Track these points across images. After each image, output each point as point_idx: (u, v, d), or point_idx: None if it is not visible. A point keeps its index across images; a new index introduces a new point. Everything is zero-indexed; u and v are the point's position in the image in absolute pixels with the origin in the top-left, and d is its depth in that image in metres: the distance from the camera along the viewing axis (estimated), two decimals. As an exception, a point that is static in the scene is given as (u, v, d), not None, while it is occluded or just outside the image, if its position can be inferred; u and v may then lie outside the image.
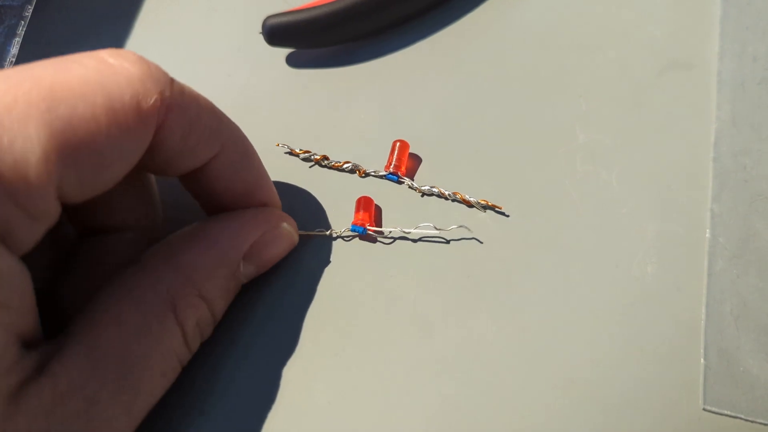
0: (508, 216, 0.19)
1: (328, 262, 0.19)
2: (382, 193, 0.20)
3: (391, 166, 0.20)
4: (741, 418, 0.17)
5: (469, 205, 0.20)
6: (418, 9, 0.22)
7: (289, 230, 0.18)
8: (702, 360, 0.17)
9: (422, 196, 0.20)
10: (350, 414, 0.17)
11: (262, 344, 0.18)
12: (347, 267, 0.19)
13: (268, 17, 0.22)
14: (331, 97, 0.22)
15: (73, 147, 0.12)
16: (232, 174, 0.16)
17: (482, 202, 0.19)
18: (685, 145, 0.20)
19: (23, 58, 0.22)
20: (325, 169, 0.21)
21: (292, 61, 0.23)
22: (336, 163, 0.21)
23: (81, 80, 0.12)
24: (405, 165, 0.20)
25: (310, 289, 0.19)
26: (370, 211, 0.19)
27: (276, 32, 0.22)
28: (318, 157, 0.21)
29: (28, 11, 0.21)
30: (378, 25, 0.22)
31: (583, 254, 0.19)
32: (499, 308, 0.18)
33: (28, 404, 0.12)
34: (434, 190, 0.20)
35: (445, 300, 0.19)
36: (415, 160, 0.21)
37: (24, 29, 0.21)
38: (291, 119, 0.22)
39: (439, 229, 0.19)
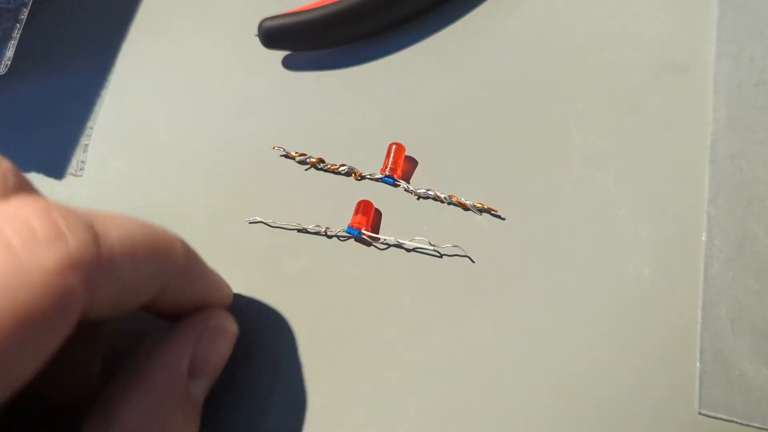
0: (504, 219, 0.19)
1: (322, 260, 0.19)
2: (377, 196, 0.20)
3: (387, 169, 0.20)
4: (737, 422, 0.17)
5: (465, 208, 0.20)
6: (414, 12, 0.22)
7: (222, 327, 0.17)
8: (698, 363, 0.17)
9: (418, 199, 0.20)
10: (342, 416, 0.17)
11: (256, 343, 0.18)
12: (341, 267, 0.19)
13: (264, 20, 0.22)
14: (327, 99, 0.22)
15: None
16: (180, 297, 0.15)
17: (478, 205, 0.19)
18: (682, 148, 0.20)
19: (19, 61, 0.22)
20: (321, 172, 0.21)
21: (289, 64, 0.23)
22: (332, 166, 0.21)
23: None
24: (401, 168, 0.20)
25: (303, 288, 0.19)
26: (369, 215, 0.19)
27: (272, 35, 0.21)
28: (314, 160, 0.21)
29: (24, 14, 0.21)
30: (374, 28, 0.22)
31: (579, 257, 0.19)
32: (494, 311, 0.18)
33: None
34: (430, 193, 0.20)
35: (440, 302, 0.19)
36: (411, 163, 0.21)
37: (19, 32, 0.21)
38: (287, 122, 0.22)
39: (434, 246, 0.19)
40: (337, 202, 0.20)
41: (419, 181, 0.20)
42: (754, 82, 0.21)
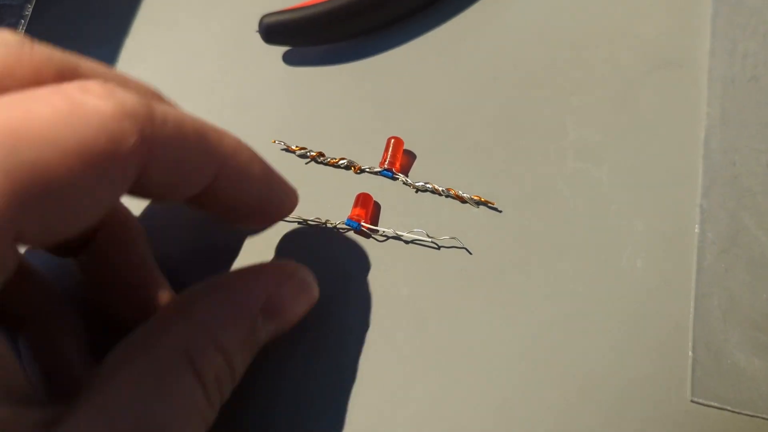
0: (500, 211, 0.20)
1: (323, 252, 0.20)
2: (376, 189, 0.20)
3: (386, 163, 0.20)
4: (728, 410, 0.17)
5: (463, 200, 0.20)
6: (413, 7, 0.23)
7: (307, 281, 0.17)
8: (690, 353, 0.18)
9: (416, 192, 0.20)
10: (342, 406, 0.18)
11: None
12: (340, 259, 0.20)
13: (265, 16, 0.22)
14: (328, 94, 0.22)
15: (37, 199, 0.11)
16: (237, 192, 0.15)
17: (475, 198, 0.20)
18: (675, 142, 0.20)
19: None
20: (321, 165, 0.21)
21: (289, 59, 0.23)
22: (332, 159, 0.21)
23: (48, 123, 0.11)
24: (399, 161, 0.21)
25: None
26: (367, 208, 0.20)
27: (273, 31, 0.22)
28: (314, 154, 0.21)
29: (28, 10, 0.22)
30: (374, 23, 0.23)
31: (573, 249, 0.19)
32: (490, 302, 0.19)
33: None
34: (428, 186, 0.20)
35: (437, 294, 0.19)
36: (410, 157, 0.21)
37: (24, 28, 0.22)
38: (287, 116, 0.22)
39: (432, 238, 0.19)
40: (336, 195, 0.21)
41: (417, 174, 0.21)
42: (747, 77, 0.21)
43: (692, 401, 0.17)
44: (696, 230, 0.19)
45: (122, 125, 0.11)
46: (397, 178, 0.21)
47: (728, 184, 0.20)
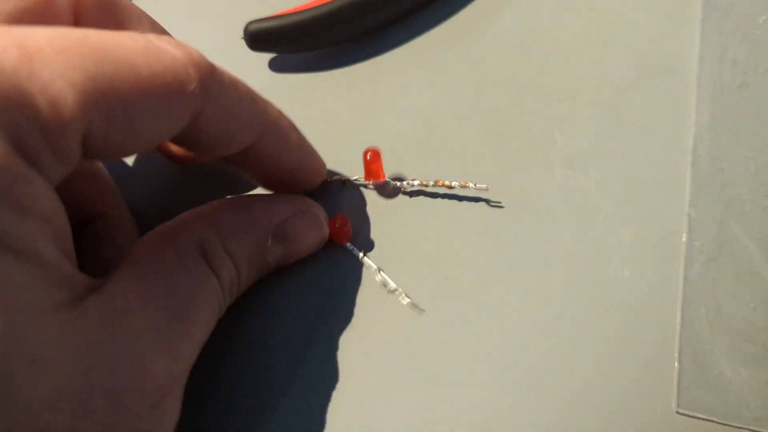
0: (503, 205, 0.19)
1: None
2: (363, 200, 0.20)
3: (370, 175, 0.20)
4: (714, 421, 0.17)
5: (450, 187, 0.20)
6: (400, 14, 0.22)
7: (320, 219, 0.19)
8: (676, 363, 0.18)
9: (411, 196, 0.20)
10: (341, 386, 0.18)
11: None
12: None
13: (250, 23, 0.22)
14: (315, 101, 0.22)
15: (109, 103, 0.12)
16: (273, 156, 0.17)
17: (463, 185, 0.19)
18: (663, 149, 0.20)
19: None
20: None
21: (275, 66, 0.23)
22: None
23: (129, 51, 0.13)
24: (381, 171, 0.20)
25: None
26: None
27: (258, 37, 0.22)
28: None
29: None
30: (360, 30, 0.22)
31: (560, 257, 0.19)
32: (474, 311, 0.19)
33: (89, 313, 0.13)
34: (415, 182, 0.20)
35: (422, 302, 0.19)
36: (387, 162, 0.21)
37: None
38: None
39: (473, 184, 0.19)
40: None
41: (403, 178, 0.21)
42: (736, 84, 0.21)
43: (678, 412, 0.17)
44: (683, 239, 0.19)
45: (187, 70, 0.13)
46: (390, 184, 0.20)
47: (716, 192, 0.20)
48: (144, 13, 0.17)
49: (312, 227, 0.18)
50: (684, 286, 0.18)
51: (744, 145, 0.20)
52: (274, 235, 0.17)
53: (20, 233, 0.11)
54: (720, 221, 0.19)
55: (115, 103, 0.12)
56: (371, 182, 0.20)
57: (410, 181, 0.20)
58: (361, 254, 0.19)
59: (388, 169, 0.21)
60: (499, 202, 0.20)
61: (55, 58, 0.11)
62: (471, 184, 0.19)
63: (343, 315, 0.19)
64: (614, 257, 0.19)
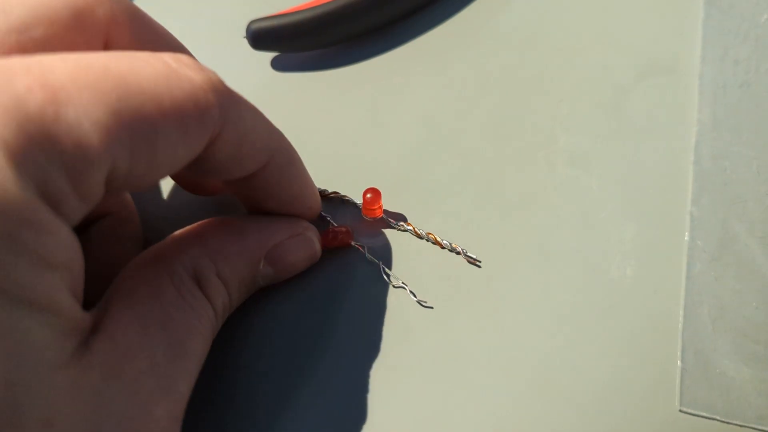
0: (480, 267, 0.19)
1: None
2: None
3: (367, 211, 0.20)
4: (717, 420, 0.17)
5: (442, 248, 0.19)
6: (402, 13, 0.22)
7: (312, 241, 0.19)
8: (679, 362, 0.18)
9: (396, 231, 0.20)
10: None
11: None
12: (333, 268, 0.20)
13: (252, 21, 0.22)
14: (317, 99, 0.22)
15: (133, 138, 0.12)
16: (277, 184, 0.17)
17: (455, 248, 0.19)
18: (666, 148, 0.20)
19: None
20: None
21: (278, 65, 0.23)
22: (323, 191, 0.20)
23: (151, 79, 0.12)
24: (381, 209, 0.20)
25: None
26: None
27: (260, 36, 0.22)
28: None
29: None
30: (362, 29, 0.22)
31: (563, 256, 0.19)
32: (477, 309, 0.19)
33: (96, 360, 0.13)
34: (408, 228, 0.20)
35: (427, 299, 0.19)
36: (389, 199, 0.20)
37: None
38: (276, 123, 0.22)
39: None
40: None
41: (406, 179, 0.21)
42: (738, 83, 0.21)
43: (681, 411, 0.17)
44: (686, 238, 0.19)
45: (208, 96, 0.13)
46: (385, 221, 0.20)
47: (719, 191, 0.20)
48: (167, 31, 0.17)
49: (304, 249, 0.18)
50: (686, 284, 0.18)
51: (746, 144, 0.20)
52: (266, 258, 0.17)
53: (39, 287, 0.11)
54: (722, 220, 0.19)
55: (139, 137, 0.12)
56: (368, 217, 0.20)
57: (404, 225, 0.20)
58: (365, 250, 0.19)
59: (390, 171, 0.21)
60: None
61: (79, 96, 0.11)
62: (461, 249, 0.19)
63: (346, 314, 0.19)
64: (617, 256, 0.19)
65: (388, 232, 0.20)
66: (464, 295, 0.19)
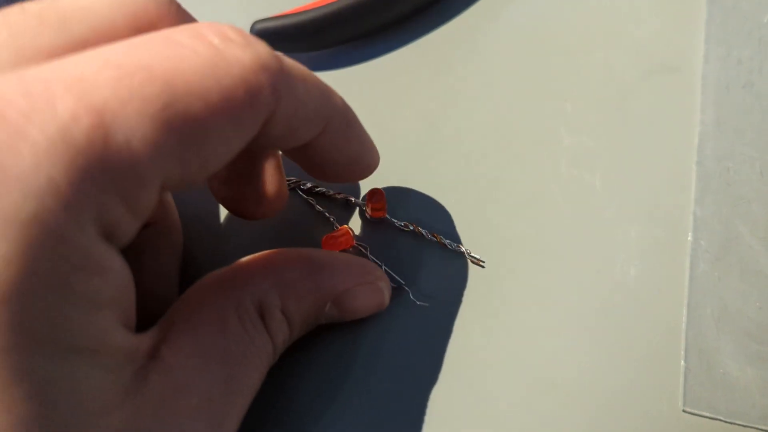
0: (483, 267, 0.19)
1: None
2: (359, 228, 0.20)
3: (369, 210, 0.20)
4: (720, 420, 0.17)
5: (445, 247, 0.19)
6: (406, 13, 0.22)
7: (383, 292, 0.18)
8: (682, 362, 0.18)
9: (401, 232, 0.20)
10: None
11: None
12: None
13: (256, 22, 0.22)
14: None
15: (185, 144, 0.11)
16: (335, 148, 0.16)
17: (460, 249, 0.19)
18: (669, 149, 0.20)
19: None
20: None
21: (281, 65, 0.23)
22: (326, 191, 0.20)
23: (196, 73, 0.11)
24: (384, 209, 0.20)
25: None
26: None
27: (263, 37, 0.22)
28: (308, 187, 0.20)
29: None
30: (366, 29, 0.22)
31: (566, 256, 0.19)
32: (481, 309, 0.19)
33: (150, 393, 0.12)
34: (411, 228, 0.19)
35: (430, 300, 0.19)
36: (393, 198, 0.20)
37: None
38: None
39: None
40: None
41: (408, 181, 0.21)
42: (741, 83, 0.21)
43: (684, 411, 0.17)
44: (689, 238, 0.19)
45: (259, 77, 0.12)
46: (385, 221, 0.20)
47: (722, 191, 0.20)
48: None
49: (373, 298, 0.18)
50: (690, 285, 0.19)
51: (749, 144, 0.20)
52: (333, 301, 0.17)
53: (90, 331, 0.11)
54: (726, 220, 0.19)
55: (189, 141, 0.11)
56: (370, 216, 0.20)
57: (408, 225, 0.20)
58: (368, 250, 0.19)
59: (393, 172, 0.21)
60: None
61: (125, 112, 0.10)
62: (464, 249, 0.19)
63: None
64: (620, 256, 0.19)
65: (391, 232, 0.20)
66: (467, 296, 0.19)
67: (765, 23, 0.22)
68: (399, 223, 0.20)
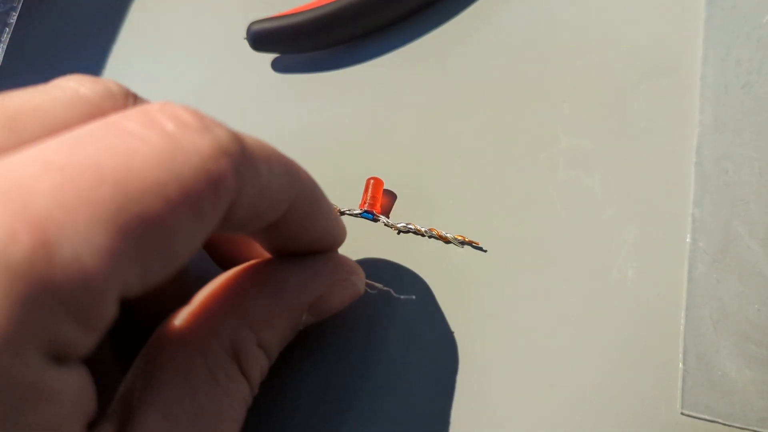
0: (485, 251, 0.19)
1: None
2: (357, 231, 0.20)
3: (366, 204, 0.20)
4: (719, 423, 0.17)
5: (446, 241, 0.19)
6: (402, 14, 0.22)
7: (355, 284, 0.17)
8: (681, 364, 0.18)
9: (398, 233, 0.20)
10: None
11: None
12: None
13: (253, 23, 0.22)
14: (317, 100, 0.22)
15: (145, 248, 0.10)
16: (300, 226, 0.15)
17: (459, 238, 0.19)
18: (667, 150, 0.20)
19: (7, 65, 0.22)
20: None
21: (278, 66, 0.23)
22: None
23: (152, 167, 0.10)
24: (380, 202, 0.20)
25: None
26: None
27: (260, 38, 0.22)
28: None
29: (13, 18, 0.21)
30: (363, 30, 0.22)
31: (564, 258, 0.19)
32: (479, 312, 0.19)
33: None
34: (410, 226, 0.20)
35: (426, 299, 0.19)
36: (390, 198, 0.20)
37: (8, 36, 0.22)
38: (276, 124, 0.22)
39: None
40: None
41: (409, 182, 0.21)
42: (740, 84, 0.21)
43: (682, 413, 0.17)
44: (688, 239, 0.19)
45: (219, 164, 0.11)
46: (378, 220, 0.20)
47: (721, 192, 0.20)
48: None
49: (348, 294, 0.17)
50: (688, 286, 0.18)
51: (748, 145, 0.20)
52: (308, 310, 0.16)
53: None
54: (724, 222, 0.19)
55: (149, 244, 0.10)
56: (364, 209, 0.20)
57: (406, 225, 0.20)
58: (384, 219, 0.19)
59: (390, 174, 0.21)
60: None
61: (72, 223, 0.09)
62: (462, 237, 0.19)
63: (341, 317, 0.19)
64: (618, 258, 0.19)
65: (387, 233, 0.20)
66: (464, 298, 0.19)
67: (764, 24, 0.22)
68: (397, 224, 0.20)
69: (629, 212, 0.19)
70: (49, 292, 0.09)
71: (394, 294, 0.19)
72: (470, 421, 0.17)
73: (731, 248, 0.19)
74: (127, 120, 0.11)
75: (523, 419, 0.17)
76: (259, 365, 0.15)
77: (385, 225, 0.20)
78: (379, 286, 0.18)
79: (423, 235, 0.19)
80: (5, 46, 0.21)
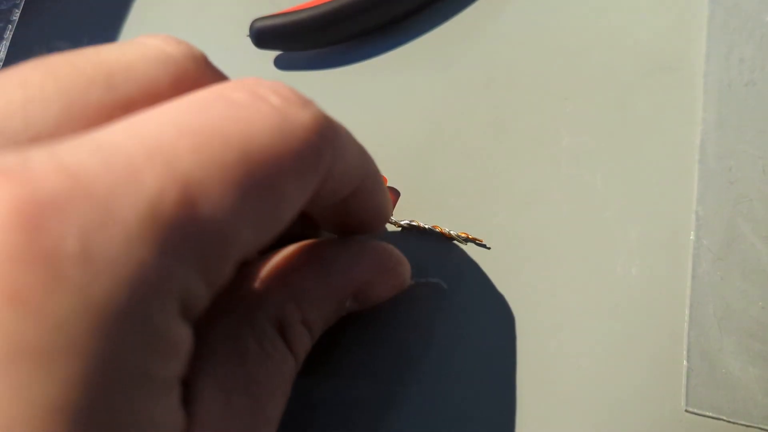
0: (489, 248, 0.19)
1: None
2: None
3: None
4: (723, 420, 0.17)
5: (450, 238, 0.19)
6: (406, 11, 0.22)
7: (404, 276, 0.17)
8: (685, 362, 0.18)
9: (401, 230, 0.20)
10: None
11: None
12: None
13: (256, 20, 0.22)
14: (320, 98, 0.22)
15: (262, 213, 0.11)
16: (362, 207, 0.15)
17: (462, 235, 0.19)
18: (670, 147, 0.20)
19: (10, 62, 0.22)
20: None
21: (281, 64, 0.23)
22: None
23: (267, 135, 0.11)
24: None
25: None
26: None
27: (263, 35, 0.22)
28: None
29: (16, 15, 0.21)
30: (366, 27, 0.22)
31: (567, 256, 0.19)
32: (482, 310, 0.19)
33: None
34: (413, 223, 0.19)
35: (431, 296, 0.19)
36: (394, 194, 0.20)
37: (11, 33, 0.22)
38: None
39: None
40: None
41: (408, 183, 0.21)
42: (743, 82, 0.21)
43: (687, 411, 0.17)
44: (691, 237, 0.19)
45: (321, 137, 0.12)
46: None
47: (724, 190, 0.19)
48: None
49: (393, 285, 0.17)
50: (692, 284, 0.18)
51: (751, 143, 0.20)
52: (353, 296, 0.16)
53: (165, 418, 0.10)
54: (728, 219, 0.19)
55: (266, 207, 0.11)
56: None
57: (409, 222, 0.20)
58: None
59: (392, 171, 0.21)
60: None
61: (210, 184, 0.10)
62: (465, 234, 0.19)
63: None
64: (621, 255, 0.19)
65: (390, 230, 0.20)
66: (466, 297, 0.19)
67: (767, 22, 0.22)
68: (400, 221, 0.20)
69: (632, 210, 0.19)
70: (189, 248, 0.10)
71: (444, 286, 0.18)
72: (471, 421, 0.17)
73: (735, 246, 0.19)
74: (235, 92, 0.11)
75: (526, 415, 0.17)
76: (303, 342, 0.15)
77: (388, 222, 0.20)
78: (430, 280, 0.18)
79: (426, 232, 0.19)
80: (8, 43, 0.21)
